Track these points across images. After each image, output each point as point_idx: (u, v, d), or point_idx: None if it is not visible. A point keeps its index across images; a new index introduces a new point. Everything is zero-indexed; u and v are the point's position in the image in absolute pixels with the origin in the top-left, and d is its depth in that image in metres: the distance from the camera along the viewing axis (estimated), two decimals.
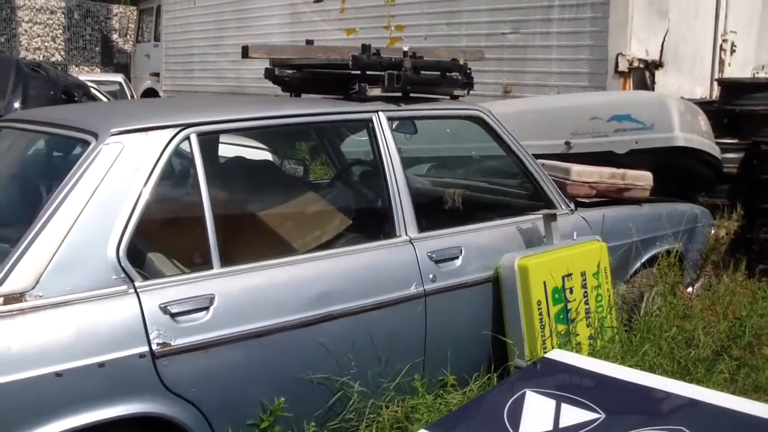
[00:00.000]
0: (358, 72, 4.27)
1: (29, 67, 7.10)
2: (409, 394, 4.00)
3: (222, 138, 7.93)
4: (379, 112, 4.23)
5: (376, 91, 4.28)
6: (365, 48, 4.25)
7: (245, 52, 4.34)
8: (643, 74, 8.76)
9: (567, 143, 6.22)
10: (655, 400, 3.29)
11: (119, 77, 14.26)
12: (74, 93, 7.07)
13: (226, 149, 7.97)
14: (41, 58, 20.97)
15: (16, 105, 6.61)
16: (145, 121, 3.60)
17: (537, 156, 5.65)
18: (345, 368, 3.78)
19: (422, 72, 4.42)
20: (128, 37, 21.06)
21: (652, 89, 8.71)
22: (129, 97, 13.63)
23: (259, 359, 3.57)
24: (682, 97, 7.68)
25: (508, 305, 4.33)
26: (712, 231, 5.69)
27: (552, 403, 3.26)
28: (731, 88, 7.62)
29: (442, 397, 4.08)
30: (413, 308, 4.04)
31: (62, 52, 22.22)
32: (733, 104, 7.39)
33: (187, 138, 3.59)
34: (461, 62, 4.66)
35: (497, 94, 9.53)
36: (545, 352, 4.28)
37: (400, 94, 4.43)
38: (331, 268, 3.86)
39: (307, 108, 4.26)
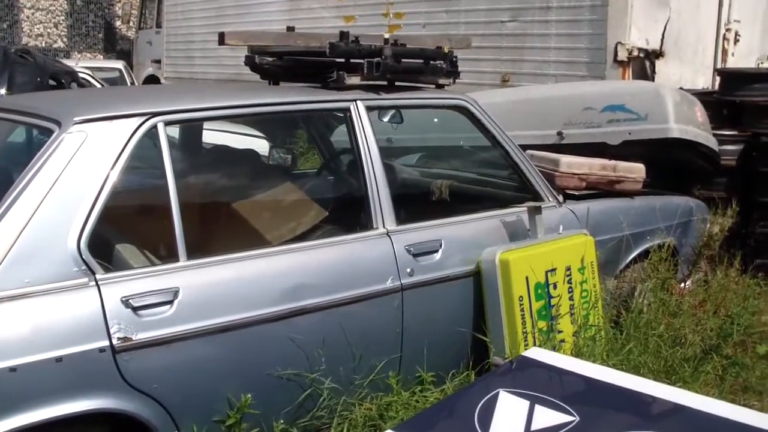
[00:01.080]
0: (337, 60, 4.15)
1: (17, 54, 7.01)
2: (384, 391, 3.91)
3: (216, 126, 7.97)
4: (358, 101, 4.11)
5: (355, 80, 4.17)
6: (343, 35, 4.13)
7: (221, 38, 4.24)
8: (643, 64, 8.61)
9: (559, 134, 6.10)
10: (633, 404, 3.17)
11: (119, 64, 14.15)
12: (62, 80, 6.98)
13: (221, 137, 7.93)
14: (43, 45, 20.89)
15: (2, 91, 6.54)
16: (111, 109, 3.50)
17: (528, 147, 5.57)
18: (316, 364, 3.68)
19: (404, 60, 4.31)
20: (131, 23, 20.96)
21: (653, 79, 8.56)
22: (129, 84, 13.51)
23: (226, 354, 3.47)
24: (681, 88, 7.56)
25: (488, 301, 4.21)
26: (706, 226, 5.56)
27: (525, 404, 3.15)
28: (731, 79, 7.46)
29: (419, 394, 3.97)
30: (389, 303, 3.93)
31: (65, 39, 22.08)
32: (733, 95, 7.24)
33: (154, 127, 3.48)
34: (446, 50, 4.54)
35: (496, 83, 9.39)
36: (527, 350, 4.18)
37: (382, 83, 4.31)
38: (304, 261, 3.76)
39: (280, 96, 4.14)
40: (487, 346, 4.21)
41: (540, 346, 4.22)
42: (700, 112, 6.19)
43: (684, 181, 6.60)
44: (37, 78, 6.81)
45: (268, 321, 3.56)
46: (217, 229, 4.12)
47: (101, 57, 21.63)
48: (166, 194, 3.45)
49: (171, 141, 3.73)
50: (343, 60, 4.18)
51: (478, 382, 3.57)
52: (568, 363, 3.50)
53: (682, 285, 5.46)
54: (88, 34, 22.47)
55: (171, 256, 3.47)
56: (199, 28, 15.32)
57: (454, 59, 4.61)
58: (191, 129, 4.72)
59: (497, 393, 3.22)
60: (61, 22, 21.94)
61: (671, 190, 6.10)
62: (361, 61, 4.13)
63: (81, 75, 8.49)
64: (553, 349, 4.29)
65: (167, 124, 3.54)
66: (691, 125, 6.00)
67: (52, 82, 6.97)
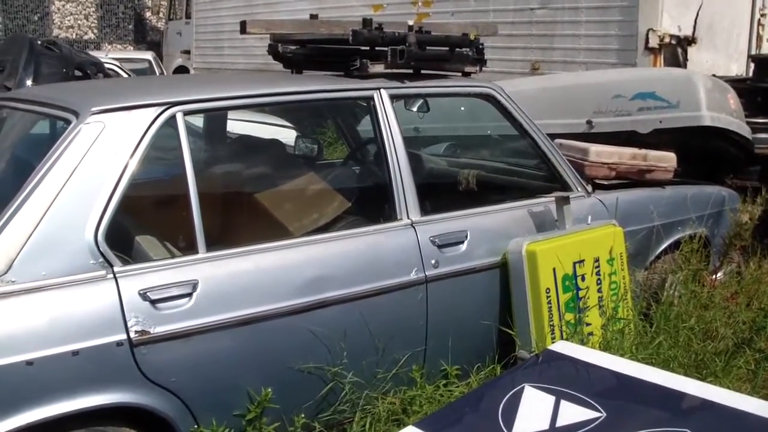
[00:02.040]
0: (360, 47, 4.08)
1: (43, 45, 6.99)
2: (408, 385, 3.84)
3: (245, 116, 7.93)
4: (381, 90, 4.03)
5: (378, 68, 4.10)
6: (366, 22, 4.05)
7: (243, 27, 4.19)
8: (675, 51, 8.45)
9: (589, 122, 5.99)
10: (661, 399, 3.09)
11: (149, 55, 14.14)
12: (88, 71, 6.94)
13: (249, 127, 7.90)
14: (74, 37, 20.97)
15: (28, 82, 6.51)
16: (129, 99, 3.44)
17: (557, 135, 5.47)
18: (338, 358, 3.61)
19: (429, 48, 4.23)
20: (160, 14, 20.98)
21: (685, 66, 8.41)
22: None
23: (246, 348, 3.42)
24: (714, 75, 7.42)
25: (515, 293, 4.13)
26: (735, 215, 5.42)
27: (551, 399, 3.09)
28: (765, 65, 7.30)
29: (444, 389, 3.90)
30: (413, 295, 3.86)
31: (95, 31, 22.17)
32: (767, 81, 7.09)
33: (173, 116, 3.43)
34: (472, 37, 4.45)
35: (525, 72, 9.28)
36: (554, 343, 4.09)
37: (409, 71, 4.24)
38: (326, 253, 3.69)
39: (301, 85, 4.06)
40: (513, 339, 4.13)
41: (567, 339, 4.14)
42: (732, 99, 6.05)
43: (717, 170, 6.48)
44: (63, 69, 6.77)
45: (289, 314, 3.50)
46: (239, 221, 4.07)
47: (131, 48, 21.69)
48: (185, 185, 3.40)
49: (192, 130, 3.69)
50: (366, 48, 4.10)
51: (503, 376, 3.49)
52: (595, 357, 3.42)
53: (715, 276, 5.35)
54: (118, 26, 22.54)
55: (190, 248, 3.42)
56: (228, 18, 15.29)
57: (481, 46, 4.51)
58: (215, 119, 4.67)
59: (522, 388, 3.16)
60: (91, 13, 22.02)
61: (703, 179, 6.00)
62: (385, 48, 4.05)
63: (108, 66, 8.47)
64: (581, 342, 4.20)
65: (186, 113, 3.49)
66: (724, 113, 5.87)
67: (78, 73, 6.93)
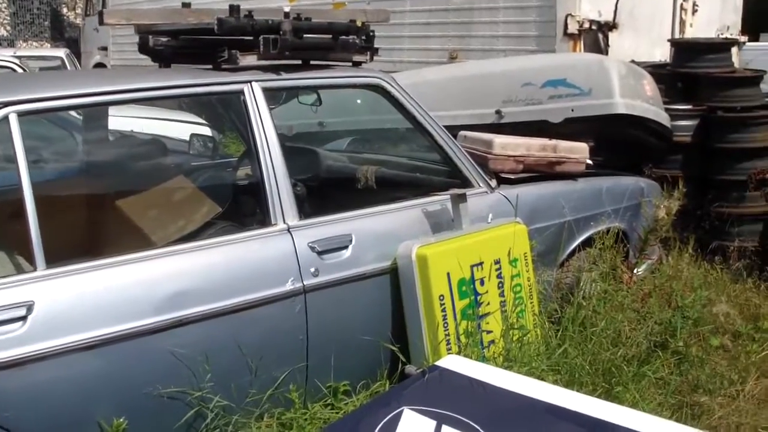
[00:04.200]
0: (230, 38, 3.70)
1: None
2: (288, 406, 3.48)
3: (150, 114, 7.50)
4: (253, 83, 3.66)
5: (251, 59, 3.72)
6: (233, 9, 3.67)
7: (100, 18, 3.78)
8: (596, 37, 8.19)
9: (498, 112, 5.66)
10: (553, 421, 2.77)
11: (61, 52, 13.54)
12: None
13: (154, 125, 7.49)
14: None
15: None
16: None
17: (466, 127, 5.15)
18: (203, 380, 3.24)
19: (309, 36, 3.86)
20: (77, 10, 20.31)
21: (606, 52, 8.15)
22: None
23: (95, 374, 3.04)
24: (632, 60, 7.17)
25: (406, 301, 3.79)
26: (652, 210, 5.15)
27: (431, 425, 2.75)
28: (685, 50, 7.05)
29: (324, 409, 3.56)
30: (290, 307, 3.49)
31: (8, 27, 21.40)
32: (687, 66, 6.83)
33: (5, 118, 3.03)
34: (359, 24, 4.09)
35: (444, 61, 8.94)
36: (441, 358, 3.76)
37: (297, 62, 3.91)
38: (189, 265, 3.32)
39: (161, 80, 3.65)
40: (408, 351, 3.79)
41: (465, 348, 3.81)
42: (649, 86, 5.77)
43: (638, 160, 6.21)
44: None
45: (146, 334, 3.12)
46: (97, 231, 3.67)
47: (48, 45, 20.94)
48: (20, 193, 3.00)
49: (32, 134, 3.29)
50: (237, 38, 3.72)
51: (382, 397, 3.15)
52: (487, 373, 3.09)
53: (631, 274, 5.06)
54: (33, 22, 21.75)
55: (26, 264, 3.03)
56: (156, 16, 14.74)
57: (371, 33, 4.17)
58: (93, 117, 4.27)
59: (401, 411, 2.82)
60: (2, 9, 21.21)
61: (625, 169, 5.73)
62: (257, 38, 3.68)
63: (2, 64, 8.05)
64: (482, 351, 3.89)
65: (21, 114, 3.09)
66: (639, 100, 5.58)
67: None
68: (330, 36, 3.98)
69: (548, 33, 8.19)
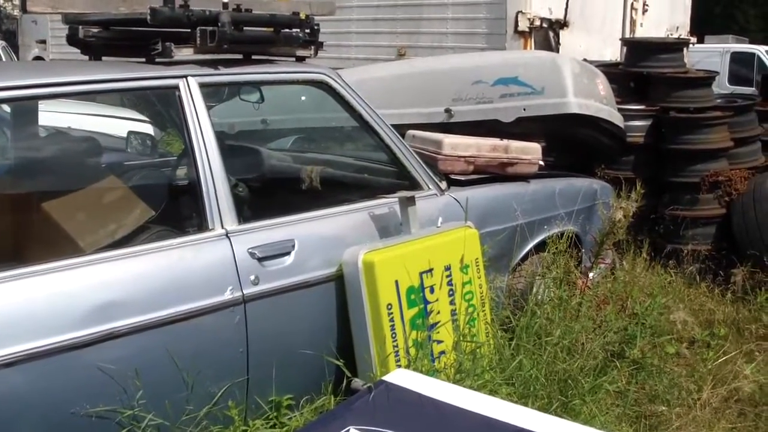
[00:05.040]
0: (164, 29, 3.47)
1: None
2: (226, 423, 3.26)
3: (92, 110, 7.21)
4: (189, 78, 3.43)
5: (187, 52, 3.49)
6: None
7: (23, 5, 3.52)
8: (547, 34, 8.06)
9: (447, 111, 5.47)
10: None
11: None
12: None
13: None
14: None
15: None
16: None
17: (414, 126, 4.97)
18: (134, 397, 3.00)
19: (249, 28, 3.65)
20: (15, 1, 19.81)
21: (557, 51, 8.02)
22: None
23: (14, 393, 2.78)
24: (585, 59, 7.04)
25: (352, 310, 3.58)
26: (607, 213, 5.01)
27: None
28: (637, 49, 6.95)
29: (276, 424, 3.35)
30: (229, 318, 3.27)
31: None
32: (640, 66, 6.73)
33: None
34: (303, 16, 3.88)
35: (392, 58, 8.74)
36: (398, 366, 3.57)
37: (238, 56, 3.71)
38: (119, 273, 3.07)
39: (88, 74, 3.39)
40: (355, 363, 3.60)
41: (415, 361, 3.62)
42: (602, 85, 5.63)
43: (590, 161, 6.09)
44: None
45: (72, 348, 2.88)
46: (19, 236, 3.41)
47: None
48: None
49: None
50: (172, 29, 3.49)
51: (327, 416, 2.94)
52: (435, 389, 2.89)
53: (585, 280, 4.92)
54: None
55: None
56: (84, 5, 14.38)
57: (316, 27, 3.96)
58: (21, 113, 4.00)
59: (347, 431, 2.62)
60: None
61: (577, 170, 5.59)
62: (195, 30, 3.45)
63: None
64: (433, 363, 3.70)
65: None
66: (593, 99, 5.44)
67: None
68: (272, 29, 3.77)
69: (498, 30, 8.04)
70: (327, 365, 3.58)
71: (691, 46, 10.15)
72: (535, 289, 4.55)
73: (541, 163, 4.85)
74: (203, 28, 3.43)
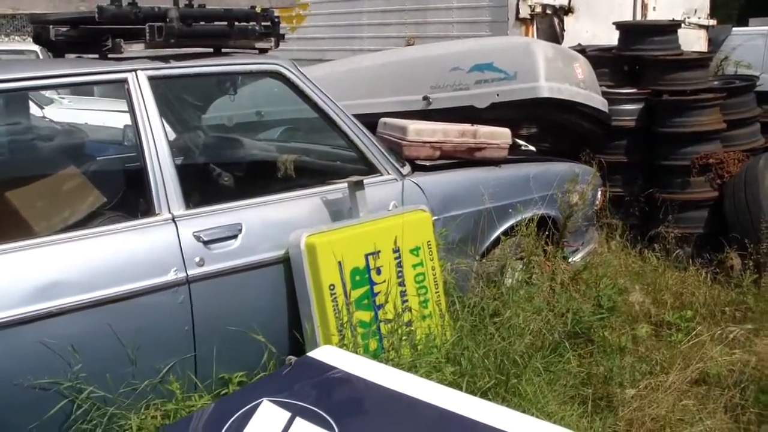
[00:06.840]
0: (114, 26, 3.65)
1: None
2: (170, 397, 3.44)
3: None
4: (138, 71, 3.62)
5: (137, 48, 3.67)
6: None
7: None
8: (552, 21, 8.05)
9: (425, 98, 5.56)
10: (412, 413, 2.72)
11: (36, 46, 13.50)
12: None
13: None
14: None
15: None
16: None
17: (394, 114, 5.08)
18: (76, 371, 3.19)
19: (202, 23, 3.82)
20: None
21: (562, 38, 8.02)
22: None
23: None
24: (579, 44, 7.09)
25: (298, 290, 3.73)
26: (595, 193, 5.07)
27: (286, 416, 2.70)
28: (630, 32, 6.94)
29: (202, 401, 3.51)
30: (173, 298, 3.45)
31: None
32: (631, 50, 6.74)
33: None
34: (259, 10, 4.04)
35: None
36: (342, 344, 3.71)
37: (201, 51, 3.88)
38: (65, 255, 3.27)
39: (43, 70, 3.61)
40: (304, 340, 3.75)
41: (362, 339, 3.77)
42: (581, 69, 5.64)
43: (581, 146, 6.13)
44: None
45: (14, 324, 3.08)
46: None
47: (32, 40, 20.74)
48: None
49: None
50: (123, 26, 3.68)
51: (244, 389, 3.10)
52: (358, 366, 3.02)
53: (571, 260, 5.00)
54: (15, 17, 21.59)
55: None
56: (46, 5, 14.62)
57: (275, 19, 4.11)
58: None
59: (260, 402, 2.77)
60: None
61: (571, 157, 5.66)
62: (142, 26, 3.63)
63: None
64: (381, 341, 3.84)
65: None
66: (567, 83, 5.45)
67: None
68: (225, 23, 3.93)
69: (500, 18, 8.04)
70: (278, 344, 3.74)
71: (711, 29, 10.08)
72: (504, 273, 4.65)
73: (532, 148, 4.88)
74: (152, 24, 3.61)
